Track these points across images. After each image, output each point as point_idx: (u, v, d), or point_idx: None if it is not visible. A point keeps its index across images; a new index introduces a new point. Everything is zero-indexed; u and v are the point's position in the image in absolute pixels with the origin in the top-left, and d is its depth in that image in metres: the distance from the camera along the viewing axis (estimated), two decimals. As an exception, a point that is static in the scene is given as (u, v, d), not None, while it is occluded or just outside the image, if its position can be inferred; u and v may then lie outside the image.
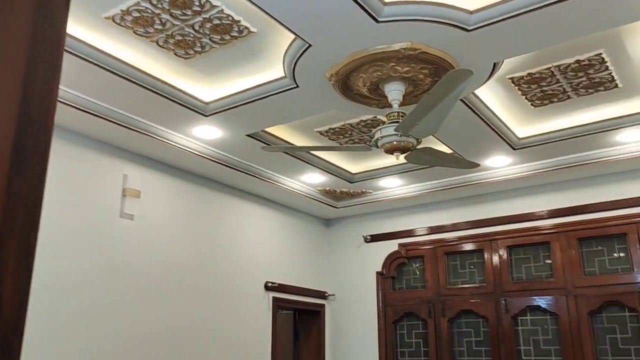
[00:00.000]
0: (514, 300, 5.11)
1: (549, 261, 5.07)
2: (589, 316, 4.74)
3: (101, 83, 3.39)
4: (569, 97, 3.90)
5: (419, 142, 3.29)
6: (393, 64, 3.13)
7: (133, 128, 3.90)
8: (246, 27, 3.02)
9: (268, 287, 5.36)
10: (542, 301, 4.98)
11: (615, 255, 4.80)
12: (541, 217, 5.17)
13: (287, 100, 3.61)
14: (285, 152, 4.57)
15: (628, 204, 4.79)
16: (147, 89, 3.48)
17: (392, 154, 3.28)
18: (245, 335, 5.04)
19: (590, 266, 4.89)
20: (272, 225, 5.70)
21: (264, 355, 5.20)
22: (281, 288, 5.51)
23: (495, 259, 5.31)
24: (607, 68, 3.51)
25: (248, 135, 4.22)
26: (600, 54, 3.36)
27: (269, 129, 4.35)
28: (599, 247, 4.89)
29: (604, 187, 4.92)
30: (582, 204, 4.99)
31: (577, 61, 3.42)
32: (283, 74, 3.42)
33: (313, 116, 4.13)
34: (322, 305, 6.09)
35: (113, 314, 3.97)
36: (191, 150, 4.35)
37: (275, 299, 5.42)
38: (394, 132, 3.15)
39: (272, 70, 3.46)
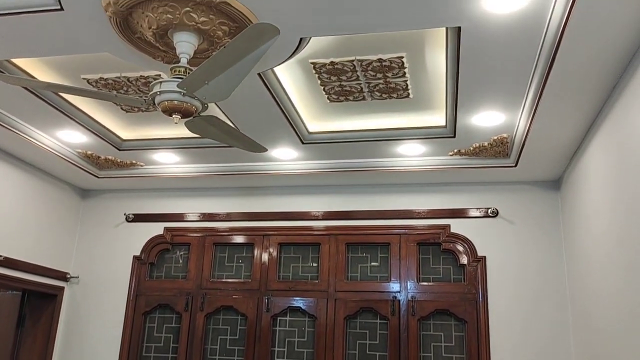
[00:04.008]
0: (277, 299, 4.92)
1: (316, 263, 5.01)
2: (345, 320, 4.76)
3: None
4: (364, 99, 3.81)
5: (204, 108, 2.82)
6: (188, 8, 2.60)
7: None
8: None
9: (-11, 260, 4.31)
10: (303, 302, 4.87)
11: (376, 263, 4.93)
12: (316, 218, 5.09)
13: (47, 24, 2.81)
14: (34, 94, 3.68)
15: (394, 215, 4.96)
16: None
17: (171, 115, 2.75)
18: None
19: (353, 271, 4.94)
20: (8, 185, 4.63)
21: (-30, 344, 4.15)
22: (7, 262, 4.48)
23: (265, 255, 5.07)
24: (404, 74, 3.47)
25: (-13, 63, 3.27)
26: (402, 57, 3.29)
27: (20, 62, 3.44)
28: (364, 254, 4.97)
29: (376, 196, 5.03)
30: (354, 209, 5.04)
31: (380, 60, 3.31)
32: (44, -12, 2.65)
33: (82, 58, 3.37)
34: (61, 288, 5.16)
35: None
36: None
37: (-3, 276, 4.39)
38: (177, 89, 2.63)
39: (30, -19, 2.66)
